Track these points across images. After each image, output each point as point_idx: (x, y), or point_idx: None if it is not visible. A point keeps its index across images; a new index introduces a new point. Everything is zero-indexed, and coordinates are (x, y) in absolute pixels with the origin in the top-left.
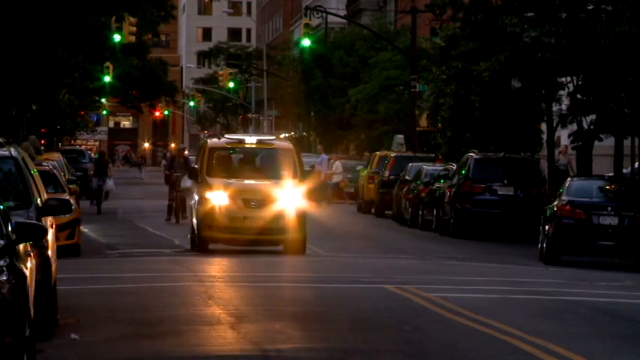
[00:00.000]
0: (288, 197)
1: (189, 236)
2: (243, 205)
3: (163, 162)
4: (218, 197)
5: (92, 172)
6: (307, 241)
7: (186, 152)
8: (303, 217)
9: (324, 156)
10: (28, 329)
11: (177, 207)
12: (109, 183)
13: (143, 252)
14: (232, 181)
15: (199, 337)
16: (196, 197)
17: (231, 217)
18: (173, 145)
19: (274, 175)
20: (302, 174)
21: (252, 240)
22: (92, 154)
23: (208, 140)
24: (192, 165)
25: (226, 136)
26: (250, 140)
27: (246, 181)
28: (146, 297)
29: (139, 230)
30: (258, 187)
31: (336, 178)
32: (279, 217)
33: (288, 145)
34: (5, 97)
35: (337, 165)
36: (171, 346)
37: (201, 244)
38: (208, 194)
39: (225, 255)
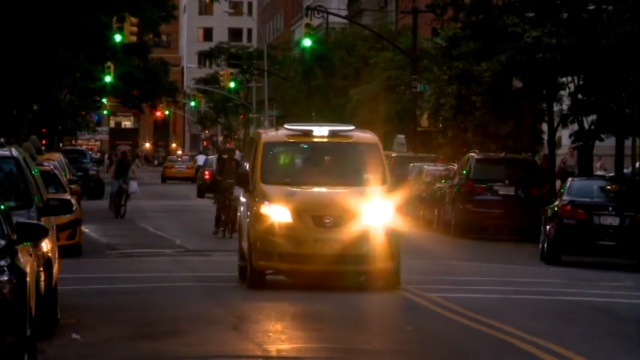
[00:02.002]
0: (375, 211)
1: (238, 263)
2: (313, 224)
3: (155, 162)
4: (277, 213)
5: (114, 174)
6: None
7: (237, 153)
8: (395, 240)
9: (240, 153)
10: (29, 329)
11: (229, 219)
12: (133, 185)
13: (144, 252)
14: (297, 189)
15: (200, 337)
16: (247, 212)
17: (296, 240)
18: (227, 144)
19: (355, 181)
20: (391, 178)
21: (326, 271)
22: (93, 154)
23: (262, 133)
24: (243, 169)
25: (286, 126)
26: (320, 131)
27: (317, 189)
28: (147, 297)
29: (139, 230)
30: (333, 198)
31: None
32: (363, 240)
33: (372, 137)
34: (6, 96)
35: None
36: (172, 347)
37: (255, 276)
38: (264, 209)
39: (287, 291)
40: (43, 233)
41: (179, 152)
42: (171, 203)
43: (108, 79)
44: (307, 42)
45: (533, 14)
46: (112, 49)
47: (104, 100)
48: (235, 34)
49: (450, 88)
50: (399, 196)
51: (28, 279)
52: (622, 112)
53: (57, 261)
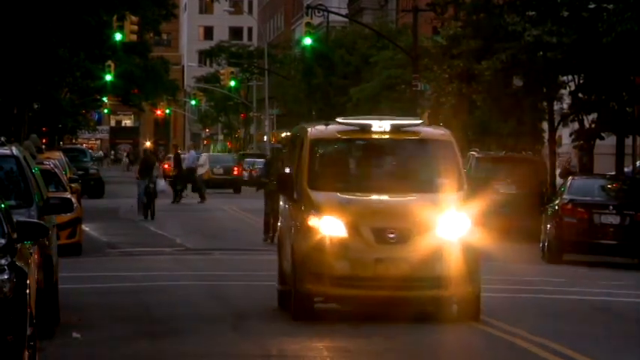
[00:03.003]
0: (450, 224)
1: (277, 287)
2: (374, 239)
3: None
4: (329, 226)
5: (138, 174)
6: None
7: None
8: (474, 259)
9: (193, 152)
10: (29, 328)
11: (275, 223)
12: (160, 184)
13: (144, 251)
14: (353, 196)
15: (201, 335)
16: (290, 225)
17: (352, 259)
18: (274, 141)
19: (424, 186)
20: (469, 183)
21: (390, 298)
22: (93, 153)
23: (308, 128)
24: (285, 171)
25: (339, 120)
26: (381, 126)
27: (377, 197)
28: (147, 296)
29: (140, 229)
30: (397, 208)
31: (200, 170)
32: (435, 259)
33: (444, 134)
34: (7, 95)
35: (203, 158)
36: (172, 345)
37: (302, 304)
38: (313, 221)
39: (341, 323)
40: (43, 232)
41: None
42: (170, 202)
43: (108, 77)
44: (308, 41)
45: (533, 13)
46: (112, 48)
47: (104, 99)
48: (236, 32)
49: (451, 87)
50: (480, 205)
51: (28, 278)
52: (622, 111)
53: (57, 260)
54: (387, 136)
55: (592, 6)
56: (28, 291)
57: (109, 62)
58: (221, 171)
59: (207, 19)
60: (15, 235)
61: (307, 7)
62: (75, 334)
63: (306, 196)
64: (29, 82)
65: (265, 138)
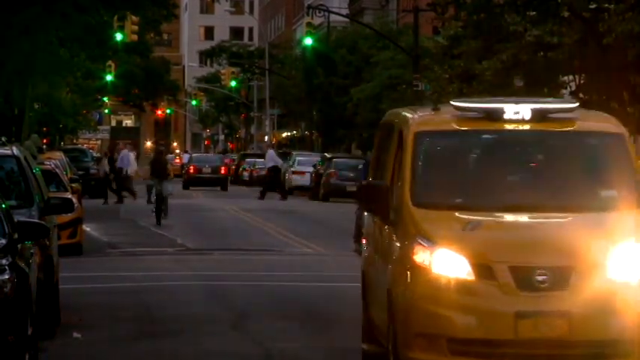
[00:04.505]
0: (629, 260)
1: (362, 347)
2: (515, 284)
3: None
4: (447, 263)
5: (147, 175)
6: (309, 241)
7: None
8: None
9: (126, 152)
10: (30, 328)
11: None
12: (168, 187)
13: (145, 251)
14: (480, 217)
15: (201, 335)
16: (384, 257)
17: (484, 314)
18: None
19: (586, 202)
20: None
21: None
22: (94, 153)
23: (410, 116)
24: (375, 181)
25: (454, 103)
26: (517, 112)
27: (516, 219)
28: (148, 296)
29: (140, 229)
30: (548, 236)
31: (130, 170)
32: (609, 314)
33: (612, 125)
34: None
35: (132, 157)
36: (173, 345)
37: None
38: (421, 255)
39: None
40: (44, 232)
41: (177, 150)
42: (170, 202)
43: (109, 77)
44: (308, 41)
45: (534, 13)
46: (113, 48)
47: (105, 99)
48: (237, 32)
49: (451, 87)
50: None
51: (29, 278)
52: (623, 112)
53: (57, 259)
54: (527, 127)
55: (593, 6)
56: (29, 291)
57: (110, 62)
58: (209, 170)
59: (208, 19)
60: (16, 235)
61: (308, 7)
62: (75, 334)
63: (410, 217)
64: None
65: (266, 138)
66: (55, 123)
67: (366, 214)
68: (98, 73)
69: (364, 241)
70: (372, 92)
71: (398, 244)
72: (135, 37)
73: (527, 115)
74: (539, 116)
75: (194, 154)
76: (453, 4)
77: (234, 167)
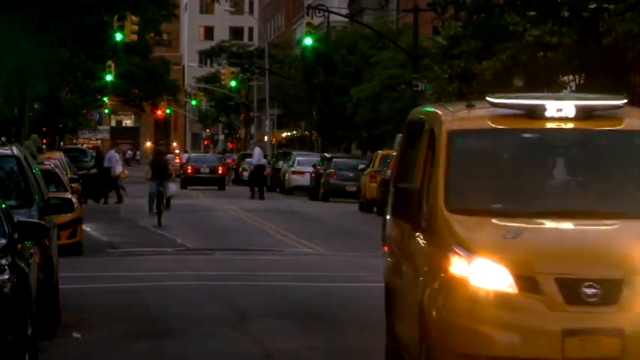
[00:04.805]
0: None
1: None
2: (562, 298)
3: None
4: (487, 274)
5: (150, 176)
6: (309, 241)
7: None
8: None
9: (112, 152)
10: (30, 328)
11: None
12: (172, 187)
13: (145, 251)
14: (522, 224)
15: (201, 335)
16: (414, 266)
17: (527, 331)
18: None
19: (638, 208)
20: None
21: None
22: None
23: (441, 113)
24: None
25: (490, 99)
26: (560, 109)
27: (561, 226)
28: (148, 296)
29: (140, 229)
30: (598, 245)
31: (117, 170)
32: None
33: None
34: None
35: (117, 157)
36: (173, 345)
37: None
38: (458, 266)
39: None
40: (44, 232)
41: (177, 151)
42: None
43: (109, 77)
44: (308, 41)
45: (534, 13)
46: (112, 48)
47: (105, 99)
48: (236, 32)
49: (451, 87)
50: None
51: (29, 278)
52: None
53: (57, 259)
54: (570, 126)
55: (593, 6)
56: (28, 291)
57: (110, 62)
58: (207, 170)
59: (208, 19)
60: (16, 235)
61: (308, 7)
62: (75, 334)
63: (445, 223)
64: (30, 82)
65: (266, 138)
66: (55, 123)
67: (387, 218)
68: (98, 73)
69: (386, 249)
70: (371, 92)
71: (431, 254)
72: (135, 37)
73: (571, 113)
74: (583, 114)
75: (192, 155)
76: (453, 4)
77: (234, 167)
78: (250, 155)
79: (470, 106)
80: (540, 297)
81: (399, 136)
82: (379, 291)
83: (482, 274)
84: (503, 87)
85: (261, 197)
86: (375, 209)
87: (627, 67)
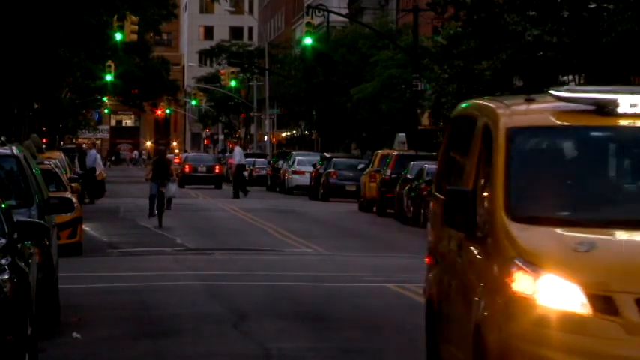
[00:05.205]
0: None
1: None
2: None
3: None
4: (556, 293)
5: (150, 176)
6: (309, 241)
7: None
8: None
9: (94, 152)
10: (30, 328)
11: None
12: (172, 189)
13: (145, 251)
14: (594, 235)
15: (201, 335)
16: (468, 282)
17: (604, 357)
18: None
19: None
20: None
21: None
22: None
23: (498, 109)
24: (458, 187)
25: (554, 92)
26: (635, 104)
27: (638, 237)
28: (148, 295)
29: (140, 229)
30: None
31: (97, 170)
32: None
33: None
34: (7, 95)
35: (98, 157)
36: (172, 345)
37: None
38: (522, 281)
39: None
40: (44, 232)
41: (176, 150)
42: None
43: (109, 77)
44: (308, 40)
45: (534, 12)
46: (112, 48)
47: (105, 99)
48: (236, 32)
49: (451, 87)
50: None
51: (29, 278)
52: None
53: (57, 259)
54: None
55: (592, 6)
56: (28, 291)
57: (110, 62)
58: (204, 169)
59: (208, 18)
60: (16, 235)
61: (308, 6)
62: (75, 334)
63: (506, 233)
64: (30, 82)
65: (266, 138)
66: (55, 123)
67: (429, 226)
68: (98, 73)
69: (428, 261)
70: (371, 92)
71: (489, 268)
72: (135, 37)
73: None
74: None
75: (189, 154)
76: (453, 3)
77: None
78: (250, 155)
79: (529, 100)
80: (618, 320)
81: (399, 135)
82: (379, 291)
83: (551, 292)
84: (503, 87)
85: (236, 197)
86: (374, 209)
87: (627, 67)
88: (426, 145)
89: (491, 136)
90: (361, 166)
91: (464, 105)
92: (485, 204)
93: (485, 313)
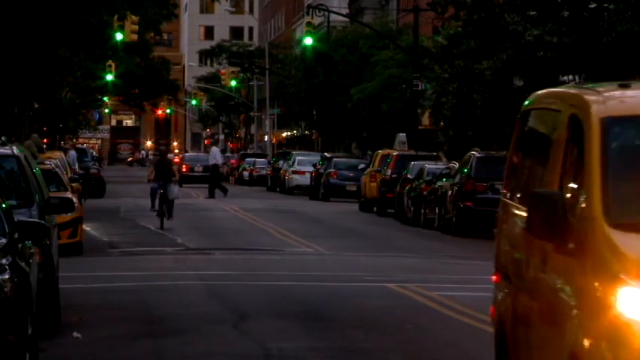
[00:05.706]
0: None
1: None
2: None
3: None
4: None
5: (152, 177)
6: (309, 241)
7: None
8: None
9: (73, 152)
10: (30, 328)
11: None
12: (174, 191)
13: (145, 250)
14: None
15: (201, 335)
16: (559, 300)
17: None
18: None
19: None
20: None
21: None
22: (95, 153)
23: (588, 97)
24: (547, 191)
25: None
26: None
27: None
28: (148, 295)
29: (140, 229)
30: None
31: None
32: None
33: None
34: (7, 95)
35: (74, 158)
36: (173, 345)
37: None
38: (631, 304)
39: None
40: (44, 232)
41: (176, 150)
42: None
43: (109, 77)
44: (308, 40)
45: (534, 12)
46: (113, 48)
47: (105, 99)
48: (236, 32)
49: (451, 87)
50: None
51: (29, 277)
52: None
53: (57, 259)
54: None
55: (592, 5)
56: (29, 291)
57: (110, 62)
58: (200, 169)
59: (208, 18)
60: (16, 235)
61: (308, 6)
62: (75, 334)
63: (607, 244)
64: (30, 82)
65: (266, 138)
66: (55, 123)
67: (497, 234)
68: (98, 73)
69: (495, 279)
70: (371, 92)
71: (586, 285)
72: (135, 36)
73: None
74: None
75: (187, 154)
76: (453, 3)
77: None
78: (250, 155)
79: (624, 86)
80: None
81: (399, 135)
82: (380, 290)
83: None
84: (503, 87)
85: (212, 196)
86: (375, 209)
87: (627, 67)
88: (426, 145)
89: (582, 129)
90: (361, 165)
91: (538, 95)
92: (578, 209)
93: (584, 341)
